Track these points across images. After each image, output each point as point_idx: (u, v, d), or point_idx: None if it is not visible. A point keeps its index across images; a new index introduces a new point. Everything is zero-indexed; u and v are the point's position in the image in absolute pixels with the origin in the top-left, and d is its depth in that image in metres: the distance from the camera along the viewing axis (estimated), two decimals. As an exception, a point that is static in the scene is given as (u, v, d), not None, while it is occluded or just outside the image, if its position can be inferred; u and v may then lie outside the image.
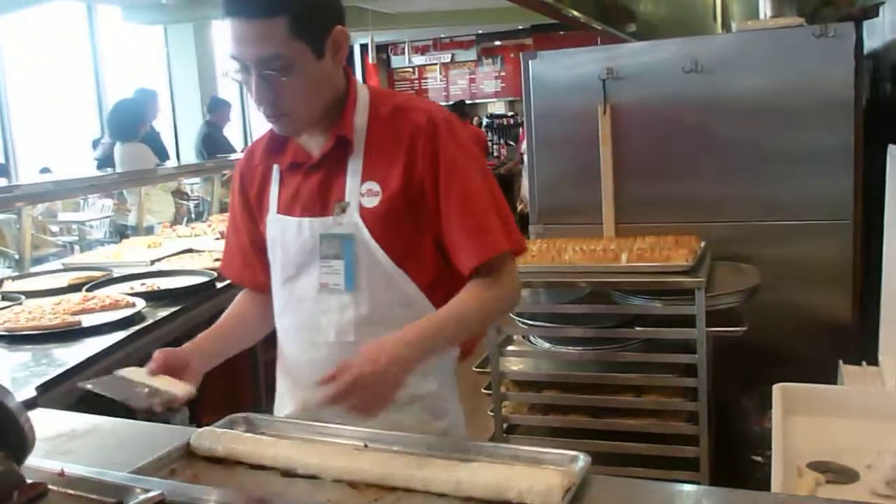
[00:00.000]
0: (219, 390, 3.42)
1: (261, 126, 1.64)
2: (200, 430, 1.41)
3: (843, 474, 1.53)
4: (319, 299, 1.57)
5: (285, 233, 1.58)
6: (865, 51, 3.42)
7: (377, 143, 1.51)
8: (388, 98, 1.56)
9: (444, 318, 1.45)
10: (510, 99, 16.01)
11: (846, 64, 3.07)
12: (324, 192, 1.54)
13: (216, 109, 8.19)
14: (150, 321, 2.60)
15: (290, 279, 1.60)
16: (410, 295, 1.54)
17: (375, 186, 1.50)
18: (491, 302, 1.50)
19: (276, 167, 1.61)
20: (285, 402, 1.75)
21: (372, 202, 1.50)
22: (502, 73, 16.34)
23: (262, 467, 1.32)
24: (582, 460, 1.22)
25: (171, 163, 6.09)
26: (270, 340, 4.15)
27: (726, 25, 4.98)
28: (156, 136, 6.64)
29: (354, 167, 1.51)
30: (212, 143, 7.71)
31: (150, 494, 1.11)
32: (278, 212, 1.59)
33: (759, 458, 2.78)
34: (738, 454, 2.95)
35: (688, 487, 1.23)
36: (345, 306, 1.55)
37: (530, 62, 3.55)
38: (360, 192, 1.51)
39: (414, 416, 1.56)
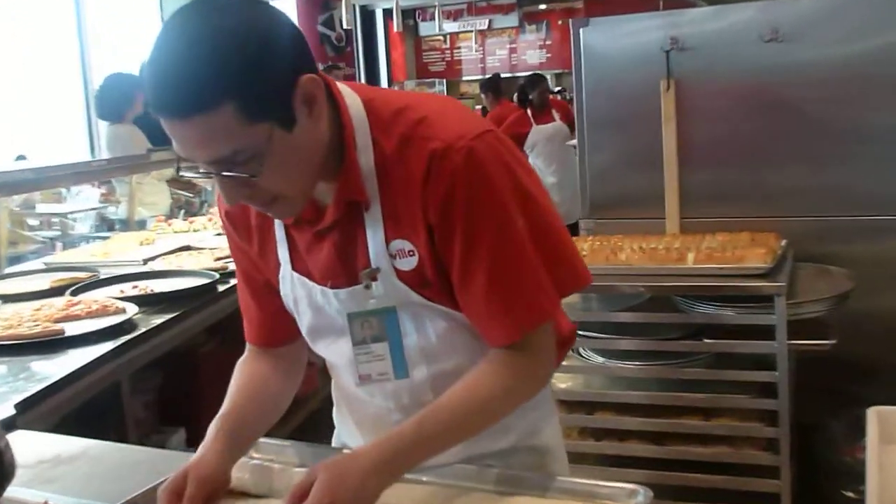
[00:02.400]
0: (219, 405, 3.45)
1: None
2: (198, 457, 1.41)
3: (952, 514, 1.50)
4: (362, 392, 1.49)
5: (312, 296, 1.45)
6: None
7: (392, 188, 1.35)
8: (392, 121, 1.36)
9: (441, 420, 1.31)
10: (557, 72, 15.92)
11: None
12: (343, 257, 1.40)
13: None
14: (143, 329, 2.62)
15: (329, 343, 1.51)
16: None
17: (406, 245, 1.36)
18: (518, 384, 1.38)
19: (277, 222, 1.45)
20: (347, 435, 1.67)
21: (409, 264, 1.37)
22: (548, 43, 16.27)
23: (271, 498, 1.32)
24: (642, 495, 1.22)
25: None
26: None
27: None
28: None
29: (374, 225, 1.36)
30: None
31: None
32: (294, 269, 1.46)
33: (850, 494, 2.76)
34: (826, 488, 2.93)
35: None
36: (405, 391, 1.46)
37: (581, 30, 3.55)
38: (390, 253, 1.36)
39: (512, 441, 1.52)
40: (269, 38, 1.20)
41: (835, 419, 2.96)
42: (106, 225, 5.09)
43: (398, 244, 1.36)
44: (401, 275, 1.37)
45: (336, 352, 1.49)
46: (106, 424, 2.45)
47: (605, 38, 3.52)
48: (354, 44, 12.72)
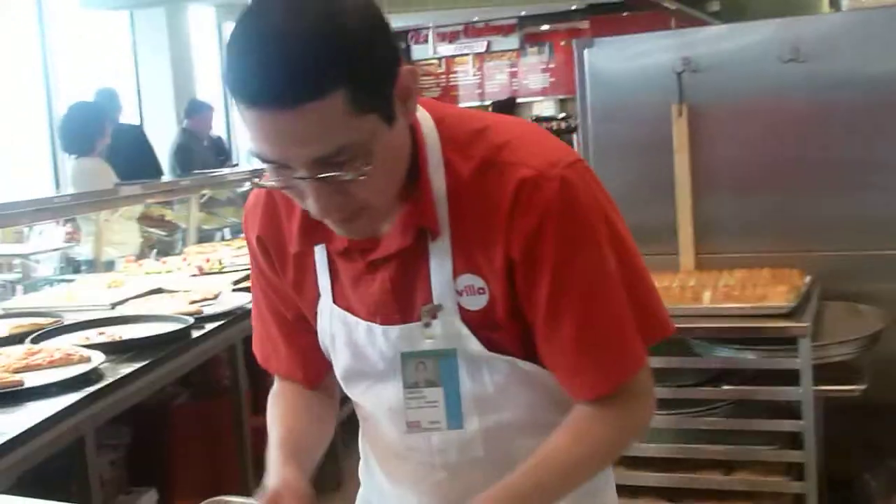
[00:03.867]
0: (195, 465, 3.45)
1: None
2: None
3: None
4: (402, 446, 1.46)
5: (353, 333, 1.41)
6: None
7: (466, 217, 1.29)
8: (470, 142, 1.31)
9: (553, 469, 1.30)
10: (561, 97, 16.05)
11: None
12: (400, 291, 1.34)
13: (194, 114, 8.32)
14: (109, 380, 2.61)
15: (366, 388, 1.46)
16: (558, 396, 1.39)
17: (478, 281, 1.31)
18: (620, 432, 1.36)
19: (320, 250, 1.40)
20: (377, 495, 1.61)
21: (477, 303, 1.32)
22: (551, 66, 16.40)
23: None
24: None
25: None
26: (257, 403, 4.15)
27: (835, 3, 4.98)
28: (139, 144, 6.79)
29: (440, 256, 1.31)
30: (188, 155, 7.82)
31: None
32: (336, 303, 1.41)
33: (885, 555, 2.74)
34: (859, 549, 2.90)
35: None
36: (453, 446, 1.42)
37: (586, 51, 3.58)
38: (457, 289, 1.32)
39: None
40: (378, 17, 1.17)
41: (869, 472, 2.95)
42: (71, 266, 5.10)
43: (467, 279, 1.31)
44: (465, 315, 1.32)
45: (374, 398, 1.44)
46: (68, 485, 2.44)
47: (612, 59, 3.55)
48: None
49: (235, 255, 4.80)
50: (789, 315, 2.75)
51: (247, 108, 1.11)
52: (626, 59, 3.54)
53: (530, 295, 1.29)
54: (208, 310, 3.42)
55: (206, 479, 3.30)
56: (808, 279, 3.05)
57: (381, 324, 1.36)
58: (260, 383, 4.07)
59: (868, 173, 3.24)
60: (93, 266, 4.92)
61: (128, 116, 8.49)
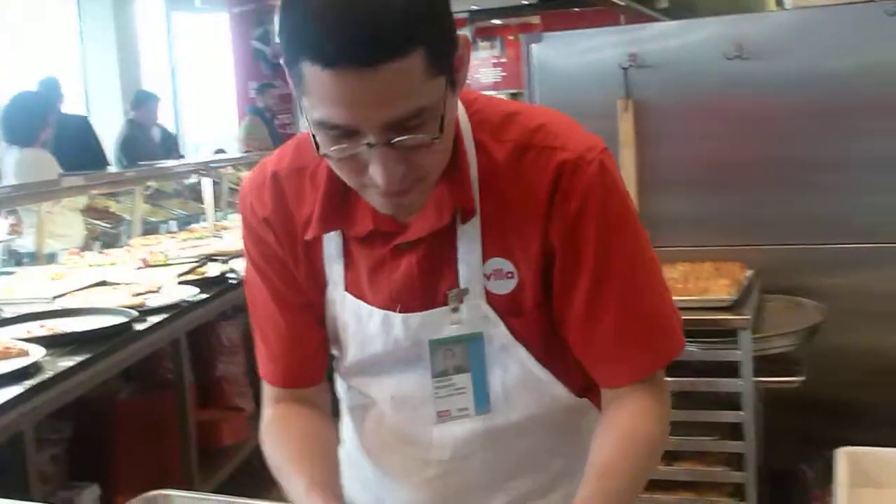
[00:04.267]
0: (138, 459, 3.42)
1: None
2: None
3: (923, 562, 1.53)
4: (393, 439, 1.43)
5: (363, 324, 1.37)
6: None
7: (500, 200, 1.28)
8: (504, 126, 1.29)
9: (619, 472, 1.25)
10: (513, 91, 16.06)
11: (924, 50, 3.10)
12: (426, 276, 1.31)
13: (141, 105, 8.23)
14: (49, 374, 2.58)
15: (372, 378, 1.44)
16: (562, 405, 1.39)
17: (507, 265, 1.30)
18: (662, 426, 1.32)
19: (336, 238, 1.36)
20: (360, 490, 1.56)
21: (504, 287, 1.30)
22: (503, 60, 16.45)
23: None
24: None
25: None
26: (203, 397, 4.11)
27: (780, 1, 5.05)
28: (85, 135, 6.70)
29: (470, 240, 1.29)
30: (134, 146, 7.74)
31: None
32: (347, 290, 1.37)
33: (822, 543, 2.78)
34: (797, 538, 2.95)
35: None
36: (470, 423, 1.39)
37: (533, 46, 3.58)
38: (485, 273, 1.30)
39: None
40: None
41: (806, 462, 3.00)
42: (13, 259, 5.02)
43: (497, 263, 1.30)
44: (491, 298, 1.31)
45: (378, 387, 1.42)
46: (6, 480, 2.41)
47: (560, 54, 3.56)
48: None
49: (181, 247, 4.76)
50: (731, 308, 2.78)
51: (323, 68, 1.06)
52: (573, 54, 3.54)
53: (569, 281, 1.28)
54: (152, 302, 3.38)
55: (149, 474, 3.27)
56: (749, 273, 3.09)
57: (401, 311, 1.33)
58: (204, 376, 4.06)
59: (809, 170, 3.27)
60: (34, 258, 4.84)
61: (74, 107, 8.37)
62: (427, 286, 1.32)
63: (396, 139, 1.10)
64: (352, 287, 1.36)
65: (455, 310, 1.31)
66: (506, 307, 1.31)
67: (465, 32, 1.18)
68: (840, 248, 3.26)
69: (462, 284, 1.30)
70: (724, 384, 2.79)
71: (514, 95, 16.09)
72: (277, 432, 1.41)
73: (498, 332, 1.32)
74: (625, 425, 1.29)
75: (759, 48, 3.28)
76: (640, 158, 3.41)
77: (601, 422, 1.33)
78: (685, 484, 2.89)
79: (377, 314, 1.35)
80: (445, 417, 1.37)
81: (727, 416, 2.81)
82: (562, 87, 3.54)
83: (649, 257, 1.32)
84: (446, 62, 1.13)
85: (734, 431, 2.82)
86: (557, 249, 1.27)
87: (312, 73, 1.07)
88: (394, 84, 1.07)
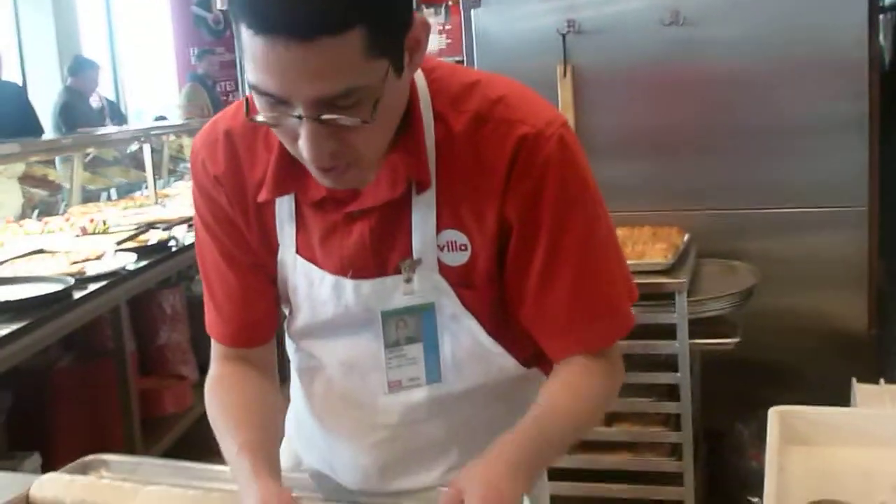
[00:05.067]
0: (79, 428, 3.38)
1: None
2: (43, 477, 1.38)
3: (850, 515, 1.56)
4: (340, 404, 1.43)
5: (314, 287, 1.36)
6: (888, 1, 3.51)
7: (455, 172, 1.26)
8: (463, 96, 1.27)
9: (558, 422, 1.26)
10: (459, 58, 16.01)
11: (858, 16, 3.13)
12: (378, 244, 1.30)
13: (79, 72, 8.07)
14: (-15, 342, 2.54)
15: (322, 341, 1.43)
16: (510, 375, 1.39)
17: (461, 237, 1.28)
18: (608, 390, 1.36)
19: (288, 201, 1.34)
20: (307, 449, 1.58)
21: (457, 259, 1.29)
22: (448, 27, 16.31)
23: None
24: (526, 501, 1.23)
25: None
26: (146, 365, 4.07)
27: (716, -32, 5.07)
28: (19, 103, 6.56)
29: (424, 211, 1.27)
30: (72, 113, 7.60)
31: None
32: (298, 253, 1.36)
33: (757, 500, 2.84)
34: (733, 495, 3.01)
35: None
36: (419, 391, 1.39)
37: (473, 12, 3.57)
38: (439, 244, 1.29)
39: None
40: None
41: (740, 422, 3.06)
42: (-53, 227, 4.91)
43: (450, 235, 1.28)
44: (444, 270, 1.30)
45: (329, 351, 1.41)
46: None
47: (500, 20, 3.55)
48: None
49: (122, 215, 4.69)
50: (667, 272, 2.81)
51: (256, 34, 1.04)
52: (513, 20, 3.54)
53: (524, 256, 1.27)
54: (91, 270, 3.33)
55: (91, 443, 3.22)
56: (686, 237, 3.12)
57: (353, 278, 1.32)
58: (146, 345, 4.02)
59: (745, 136, 3.30)
60: (-30, 227, 4.74)
61: (8, 74, 8.17)
62: (379, 254, 1.31)
63: (326, 116, 1.08)
64: (303, 250, 1.35)
65: (408, 280, 1.30)
66: (458, 279, 1.30)
67: (422, 18, 1.15)
68: (775, 213, 3.31)
69: (415, 255, 1.29)
70: (661, 346, 2.83)
71: (459, 62, 16.10)
72: (219, 392, 1.41)
73: (450, 303, 1.32)
74: (570, 378, 1.31)
75: (696, 15, 3.30)
76: (579, 124, 3.42)
77: (551, 375, 1.35)
78: (624, 444, 2.94)
79: (329, 279, 1.34)
80: (396, 388, 1.37)
81: (664, 378, 2.85)
82: (502, 54, 3.54)
83: (605, 233, 1.31)
84: (391, 44, 1.10)
85: (671, 393, 2.87)
86: (513, 225, 1.26)
87: (248, 36, 1.05)
88: (326, 60, 1.04)
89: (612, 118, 3.43)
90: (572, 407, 1.29)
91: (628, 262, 2.76)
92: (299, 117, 1.09)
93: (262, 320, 1.44)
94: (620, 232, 3.15)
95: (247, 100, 1.14)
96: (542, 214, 1.25)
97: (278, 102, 1.09)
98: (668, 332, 2.78)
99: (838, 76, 3.18)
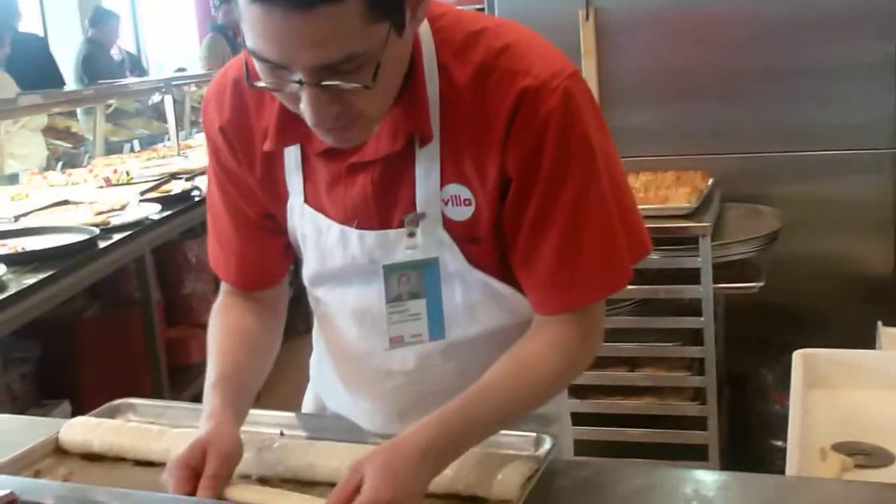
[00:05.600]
0: (107, 377, 3.42)
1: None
2: (71, 420, 1.40)
3: (875, 457, 1.57)
4: (358, 348, 1.42)
5: (322, 236, 1.35)
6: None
7: (459, 125, 1.24)
8: (467, 45, 1.24)
9: (489, 404, 1.22)
10: (478, 6, 15.89)
11: (885, -48, 3.07)
12: (381, 196, 1.29)
13: (100, 23, 8.05)
14: (13, 290, 2.56)
15: (332, 287, 1.42)
16: (523, 317, 1.35)
17: (464, 192, 1.26)
18: (570, 364, 1.30)
19: (295, 150, 1.33)
20: (329, 392, 1.58)
21: (462, 214, 1.27)
22: (465, -25, 16.20)
23: (150, 464, 1.32)
24: (549, 443, 1.24)
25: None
26: (172, 315, 4.10)
27: None
28: (41, 55, 6.56)
29: (428, 164, 1.25)
30: (94, 65, 7.60)
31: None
32: (307, 202, 1.35)
33: (780, 444, 2.83)
34: (756, 439, 3.01)
35: (682, 470, 1.26)
36: (411, 355, 1.38)
37: (494, -44, 3.52)
38: (443, 198, 1.27)
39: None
40: None
41: (765, 366, 3.04)
42: (-28, 180, 4.95)
43: (454, 189, 1.26)
44: (448, 224, 1.28)
45: (339, 299, 1.40)
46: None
47: (521, -36, 3.50)
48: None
49: (144, 166, 4.70)
50: (691, 215, 2.79)
51: (253, 0, 1.02)
52: (534, -36, 3.49)
53: (518, 207, 1.24)
54: (116, 220, 3.35)
55: (118, 391, 3.25)
56: (710, 181, 3.09)
57: (358, 228, 1.31)
58: (172, 295, 4.04)
59: (770, 79, 3.26)
60: (-6, 179, 4.79)
61: (30, 25, 8.17)
62: (383, 207, 1.29)
63: (326, 82, 1.07)
64: (311, 199, 1.34)
65: (411, 234, 1.28)
66: (462, 233, 1.28)
67: None
68: (800, 157, 3.27)
69: (419, 209, 1.27)
70: (685, 291, 2.82)
71: (479, 9, 15.92)
72: (218, 318, 1.44)
73: (454, 258, 1.30)
74: (523, 353, 1.27)
75: (722, -43, 3.25)
76: (602, 70, 3.39)
77: (520, 341, 1.31)
78: (647, 389, 2.94)
79: (335, 228, 1.33)
80: (398, 343, 1.36)
81: (688, 322, 2.84)
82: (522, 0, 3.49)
83: (606, 187, 1.25)
84: (391, 5, 1.08)
85: (695, 337, 2.86)
86: (514, 178, 1.23)
87: (244, 2, 1.03)
88: (325, 28, 1.02)
89: (636, 62, 3.39)
90: (514, 389, 1.24)
91: (651, 206, 2.79)
92: (300, 82, 1.07)
93: (266, 268, 1.46)
94: (643, 177, 3.13)
95: (246, 65, 1.13)
96: (539, 168, 1.22)
97: (278, 67, 1.08)
98: (692, 276, 2.77)
99: (865, 18, 3.13)
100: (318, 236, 1.35)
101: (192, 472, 1.16)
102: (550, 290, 1.28)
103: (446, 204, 1.27)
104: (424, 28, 1.23)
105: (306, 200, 1.35)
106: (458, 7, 1.32)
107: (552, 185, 1.22)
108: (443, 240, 1.29)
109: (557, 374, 1.28)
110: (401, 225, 1.29)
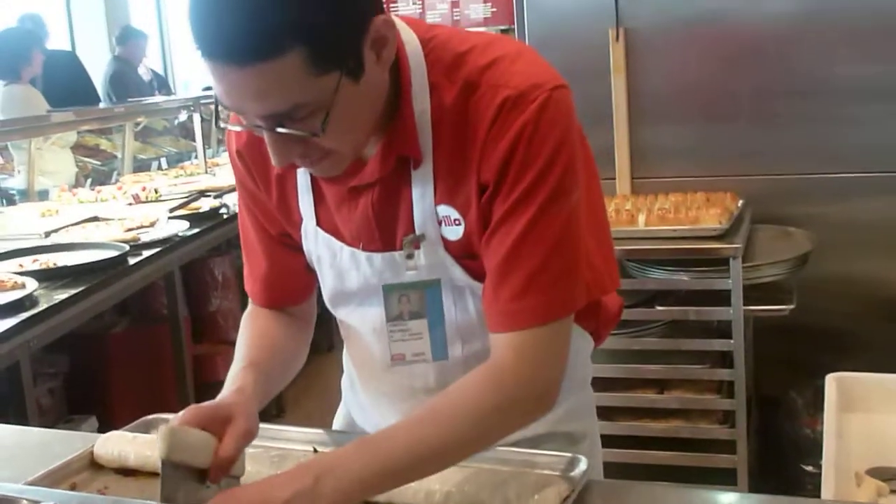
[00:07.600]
0: (135, 392, 3.44)
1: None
2: (106, 434, 1.42)
3: (910, 482, 1.56)
4: (392, 372, 1.42)
5: (337, 257, 1.38)
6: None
7: (448, 144, 1.24)
8: (455, 65, 1.24)
9: (394, 455, 1.16)
10: (503, 27, 15.90)
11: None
12: (382, 219, 1.31)
13: (127, 41, 8.12)
14: (45, 305, 2.59)
15: (352, 309, 1.44)
16: None
17: (453, 212, 1.27)
18: (500, 396, 1.22)
19: (304, 173, 1.35)
20: (358, 410, 1.61)
21: (454, 234, 1.28)
22: (491, -5, 16.25)
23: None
24: (584, 463, 1.24)
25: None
26: (198, 331, 4.12)
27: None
28: (74, 70, 6.62)
29: (422, 185, 1.27)
30: (122, 83, 7.66)
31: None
32: (319, 225, 1.38)
33: (810, 468, 2.82)
34: (786, 463, 2.99)
35: (715, 493, 1.26)
36: (432, 372, 1.39)
37: (522, -22, 3.54)
38: (438, 219, 1.28)
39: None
40: None
41: (795, 389, 3.03)
42: (3, 198, 5.01)
43: (445, 210, 1.27)
44: (447, 244, 1.29)
45: (359, 319, 1.42)
46: (5, 413, 2.42)
47: (550, -15, 3.52)
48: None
49: (172, 184, 4.74)
50: (722, 237, 2.79)
51: (201, 56, 1.08)
52: (563, -16, 3.50)
53: (487, 215, 1.24)
54: (145, 237, 3.38)
55: (145, 407, 3.28)
56: (740, 202, 3.09)
57: (364, 250, 1.33)
58: (199, 311, 4.07)
59: (801, 100, 3.25)
60: (25, 196, 4.84)
61: (58, 43, 8.26)
62: (385, 229, 1.31)
63: (280, 130, 1.12)
64: (323, 221, 1.37)
65: (410, 256, 1.30)
66: (459, 252, 1.30)
67: (384, 16, 1.14)
68: (830, 178, 3.26)
69: (418, 230, 1.29)
70: (715, 312, 2.81)
71: (504, 31, 15.96)
72: (243, 327, 1.47)
73: (458, 276, 1.31)
74: (450, 392, 1.23)
75: (751, -24, 3.25)
76: (632, 89, 3.39)
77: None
78: (676, 412, 2.93)
79: (346, 250, 1.36)
80: (399, 361, 1.38)
81: (717, 345, 2.84)
82: (553, 20, 3.50)
83: (572, 210, 1.22)
84: (339, 57, 1.10)
85: (724, 359, 2.85)
86: (488, 186, 1.22)
87: (198, 54, 1.09)
88: (265, 81, 1.07)
89: (665, 81, 3.39)
90: (423, 433, 1.19)
91: (682, 227, 2.79)
92: (258, 126, 1.14)
93: (290, 285, 1.49)
94: (673, 197, 3.13)
95: (216, 107, 1.17)
96: (507, 178, 1.20)
97: (239, 112, 1.15)
98: (722, 298, 2.76)
99: (898, 36, 3.12)
100: (333, 258, 1.38)
101: (200, 423, 1.18)
102: (492, 305, 1.25)
103: (441, 224, 1.29)
104: (416, 49, 1.25)
105: (319, 223, 1.37)
106: (485, 29, 1.33)
107: (517, 196, 1.20)
108: (445, 259, 1.30)
109: (484, 405, 1.20)
110: (402, 247, 1.31)
